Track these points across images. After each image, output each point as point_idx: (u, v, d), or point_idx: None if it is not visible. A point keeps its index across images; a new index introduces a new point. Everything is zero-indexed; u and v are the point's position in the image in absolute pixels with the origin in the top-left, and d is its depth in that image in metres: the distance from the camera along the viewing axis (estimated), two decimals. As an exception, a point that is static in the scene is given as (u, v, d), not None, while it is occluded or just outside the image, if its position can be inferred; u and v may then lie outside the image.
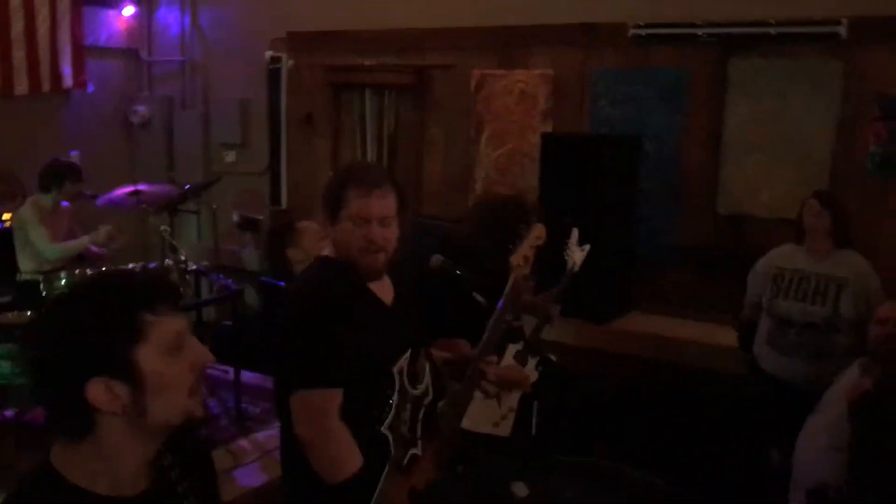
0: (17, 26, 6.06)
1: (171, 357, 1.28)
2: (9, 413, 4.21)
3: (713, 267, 4.86)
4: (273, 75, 6.53)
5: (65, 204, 5.03)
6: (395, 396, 2.20)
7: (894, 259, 4.23)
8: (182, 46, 7.12)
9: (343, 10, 6.09)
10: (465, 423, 2.68)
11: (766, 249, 4.07)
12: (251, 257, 6.64)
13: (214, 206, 6.06)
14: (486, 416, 3.14)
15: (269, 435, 4.30)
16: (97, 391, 1.23)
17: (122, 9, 7.00)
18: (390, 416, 2.18)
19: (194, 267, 4.80)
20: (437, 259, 2.80)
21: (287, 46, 6.43)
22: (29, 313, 4.21)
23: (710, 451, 3.96)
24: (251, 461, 4.17)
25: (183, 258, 4.67)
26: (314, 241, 3.44)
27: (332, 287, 2.21)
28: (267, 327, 3.72)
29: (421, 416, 2.29)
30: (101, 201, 5.09)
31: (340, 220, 2.21)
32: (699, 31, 4.79)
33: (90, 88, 6.68)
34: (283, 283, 4.34)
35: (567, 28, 5.23)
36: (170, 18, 7.15)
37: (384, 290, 2.31)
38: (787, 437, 3.47)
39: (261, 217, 6.53)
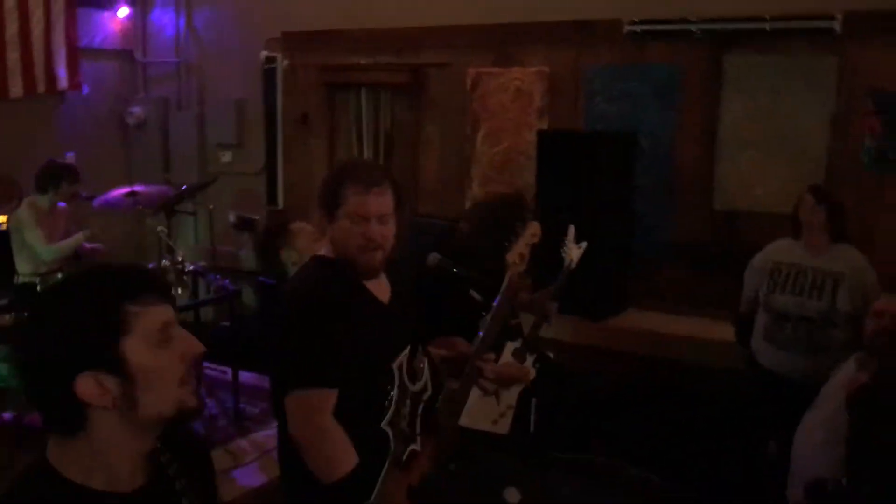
0: (12, 28, 6.05)
1: (159, 348, 1.27)
2: (7, 416, 4.22)
3: (709, 263, 4.87)
4: (268, 75, 6.52)
5: (61, 205, 5.03)
6: (395, 392, 2.20)
7: (890, 253, 4.25)
8: (177, 47, 7.11)
9: (338, 10, 6.09)
10: (464, 421, 2.69)
11: (762, 245, 4.07)
12: (248, 257, 6.64)
13: (211, 207, 6.06)
14: (484, 413, 3.14)
15: (268, 435, 4.31)
16: (86, 386, 1.22)
17: (116, 10, 6.99)
18: (390, 412, 2.18)
19: (191, 268, 4.80)
20: (434, 257, 2.81)
21: (282, 46, 6.42)
22: (26, 315, 4.20)
23: (706, 447, 3.96)
24: (250, 461, 4.18)
25: (180, 259, 4.68)
26: (308, 243, 3.45)
27: (330, 286, 2.21)
28: (264, 327, 3.73)
29: (420, 411, 2.30)
30: (97, 202, 5.09)
31: (338, 218, 2.21)
32: (693, 27, 4.80)
33: (85, 90, 6.67)
34: (275, 284, 4.35)
35: (562, 25, 5.23)
36: (164, 19, 7.13)
37: (381, 288, 2.31)
38: (784, 431, 3.48)
39: (257, 217, 6.53)
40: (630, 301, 5.06)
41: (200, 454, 1.53)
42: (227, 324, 5.39)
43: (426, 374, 2.34)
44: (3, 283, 4.85)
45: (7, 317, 4.25)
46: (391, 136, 6.06)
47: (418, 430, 2.29)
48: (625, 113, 5.12)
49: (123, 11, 7.01)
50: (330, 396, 2.11)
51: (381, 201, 2.21)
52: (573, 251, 3.33)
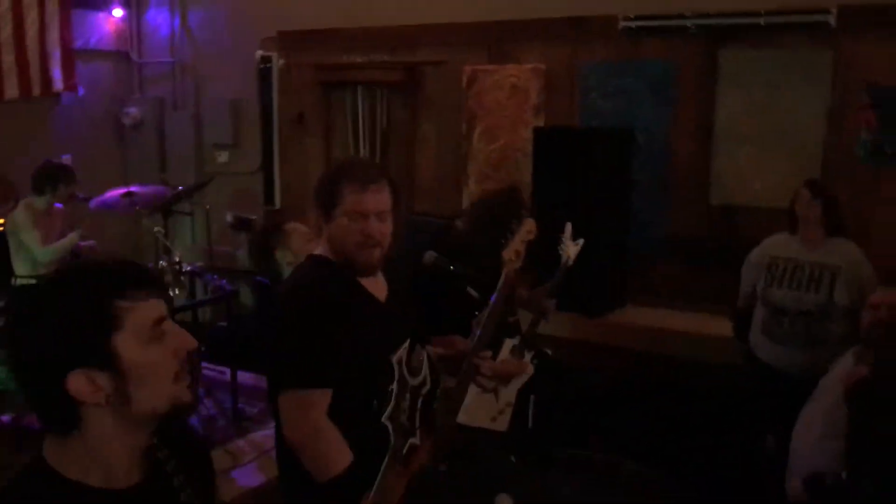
0: (6, 30, 6.04)
1: (151, 344, 1.26)
2: (5, 418, 4.21)
3: (705, 258, 4.88)
4: (264, 75, 6.52)
5: (58, 206, 5.03)
6: (395, 386, 2.20)
7: (886, 246, 4.25)
8: (172, 47, 7.10)
9: (333, 9, 6.08)
10: (463, 418, 2.70)
11: (759, 240, 4.08)
12: (245, 258, 6.62)
13: (208, 207, 6.05)
14: (483, 410, 3.15)
15: (266, 435, 4.31)
16: (78, 383, 1.21)
17: (111, 11, 6.98)
18: (390, 407, 2.18)
19: (189, 268, 4.80)
20: (430, 255, 2.81)
21: (278, 46, 6.42)
22: (16, 313, 4.20)
23: (704, 443, 3.97)
24: (249, 461, 4.18)
25: (177, 259, 4.67)
26: (302, 243, 3.44)
27: (327, 285, 2.21)
28: (262, 327, 3.72)
29: (419, 405, 2.30)
30: (94, 203, 5.08)
31: (335, 216, 2.21)
32: (688, 23, 4.80)
33: (81, 91, 6.66)
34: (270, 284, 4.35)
35: (557, 22, 5.23)
36: (159, 20, 7.13)
37: (378, 286, 2.31)
38: (782, 426, 3.49)
39: (255, 217, 6.52)
40: (627, 297, 5.06)
41: (199, 451, 1.52)
42: (224, 324, 5.39)
43: (425, 367, 2.34)
44: (0, 284, 4.85)
45: (5, 319, 4.24)
46: (387, 135, 6.05)
47: (418, 423, 2.30)
48: (620, 109, 5.12)
49: (118, 12, 7.01)
50: (323, 396, 2.11)
51: (379, 198, 2.21)
52: (570, 248, 3.33)
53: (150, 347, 1.26)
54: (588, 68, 5.24)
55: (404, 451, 2.23)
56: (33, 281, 4.58)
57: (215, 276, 5.00)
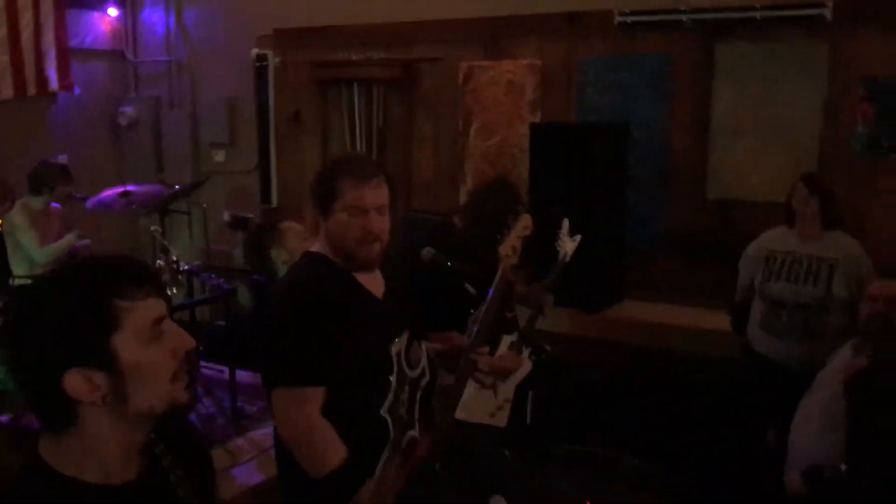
0: (1, 31, 6.03)
1: (150, 343, 1.25)
2: (5, 418, 4.20)
3: (703, 252, 4.88)
4: (260, 73, 6.50)
5: (55, 206, 5.02)
6: (394, 378, 2.20)
7: (883, 239, 4.26)
8: (167, 46, 7.09)
9: (329, 6, 6.07)
10: (462, 414, 2.69)
11: (756, 234, 4.08)
12: (243, 256, 6.62)
13: (205, 206, 6.05)
14: (482, 406, 3.14)
15: (266, 433, 4.29)
16: (75, 382, 1.21)
17: (106, 10, 6.97)
18: (389, 399, 2.18)
19: (186, 267, 4.79)
20: (427, 252, 2.81)
21: (273, 43, 6.41)
22: (15, 311, 4.19)
23: (703, 437, 3.97)
24: (248, 459, 4.17)
25: (175, 258, 4.67)
26: (297, 242, 3.43)
27: (323, 283, 2.21)
28: (260, 326, 3.72)
29: (418, 398, 2.30)
30: (90, 203, 5.07)
31: (334, 211, 2.20)
32: (684, 17, 4.80)
33: (76, 91, 6.65)
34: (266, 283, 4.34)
35: (553, 17, 5.23)
36: (154, 18, 7.12)
37: (375, 283, 2.31)
38: (781, 419, 3.49)
39: (252, 216, 6.52)
40: (625, 292, 5.06)
41: (197, 447, 1.52)
42: (222, 323, 5.38)
43: (424, 360, 2.34)
44: (-2, 285, 4.85)
45: (4, 319, 4.24)
46: (384, 132, 6.05)
47: (417, 416, 2.29)
48: (617, 104, 5.12)
49: (113, 11, 7.00)
50: (317, 394, 2.11)
51: (378, 193, 2.21)
52: (567, 244, 3.33)
53: (149, 347, 1.25)
54: (584, 64, 5.23)
55: (403, 444, 2.23)
56: (31, 281, 4.57)
57: (213, 275, 4.99)
